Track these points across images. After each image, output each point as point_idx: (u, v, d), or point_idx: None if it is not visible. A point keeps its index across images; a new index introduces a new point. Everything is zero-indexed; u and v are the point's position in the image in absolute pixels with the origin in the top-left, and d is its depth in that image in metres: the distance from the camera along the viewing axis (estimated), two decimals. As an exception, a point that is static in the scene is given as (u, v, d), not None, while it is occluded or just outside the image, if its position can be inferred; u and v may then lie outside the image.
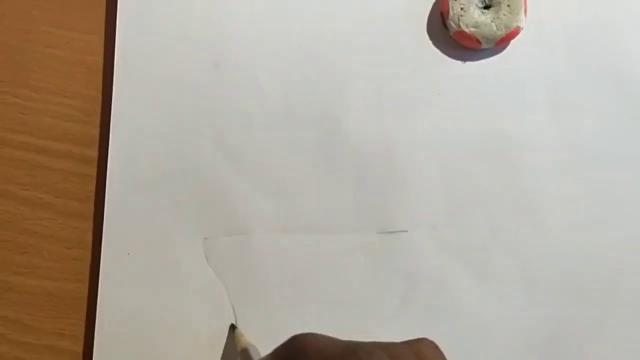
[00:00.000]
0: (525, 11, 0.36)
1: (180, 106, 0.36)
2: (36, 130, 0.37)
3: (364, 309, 0.34)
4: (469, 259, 0.34)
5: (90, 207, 0.36)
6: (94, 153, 0.36)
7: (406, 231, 0.35)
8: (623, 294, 0.34)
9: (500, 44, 0.36)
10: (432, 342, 0.24)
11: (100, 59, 0.38)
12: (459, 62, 0.36)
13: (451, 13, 0.36)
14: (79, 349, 0.34)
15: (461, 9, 0.35)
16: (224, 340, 0.34)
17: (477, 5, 0.36)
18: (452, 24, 0.36)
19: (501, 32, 0.35)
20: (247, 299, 0.34)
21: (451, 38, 0.36)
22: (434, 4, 0.37)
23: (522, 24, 0.36)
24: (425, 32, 0.37)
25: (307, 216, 0.35)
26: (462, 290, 0.34)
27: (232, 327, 0.34)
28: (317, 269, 0.34)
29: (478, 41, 0.35)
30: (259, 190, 0.35)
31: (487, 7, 0.36)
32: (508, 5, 0.35)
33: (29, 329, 0.35)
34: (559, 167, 0.35)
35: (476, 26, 0.35)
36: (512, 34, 0.36)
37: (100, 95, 0.37)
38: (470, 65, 0.36)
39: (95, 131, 0.37)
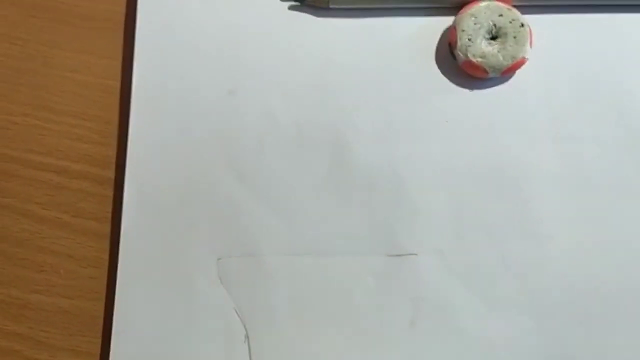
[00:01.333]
0: (530, 42, 0.37)
1: (194, 130, 0.37)
2: (55, 152, 0.38)
3: (372, 332, 0.35)
4: (475, 283, 0.35)
5: (107, 227, 0.37)
6: (110, 174, 0.38)
7: (415, 254, 0.35)
8: (628, 317, 0.35)
9: (506, 73, 0.37)
10: None
11: (117, 83, 0.39)
12: (467, 91, 0.38)
13: (459, 43, 0.37)
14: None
15: (469, 39, 0.37)
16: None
17: (484, 36, 0.37)
18: (460, 54, 0.37)
19: (507, 62, 0.37)
20: (258, 318, 0.35)
21: (459, 68, 0.38)
22: (442, 35, 0.39)
23: (527, 55, 0.37)
24: (434, 62, 0.38)
25: (317, 239, 0.36)
26: (469, 314, 0.35)
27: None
28: (326, 291, 0.35)
29: (485, 71, 0.37)
30: (270, 213, 0.36)
31: (493, 38, 0.37)
32: (514, 37, 0.37)
33: (44, 346, 0.35)
34: (563, 194, 0.36)
35: (483, 56, 0.37)
36: (517, 64, 0.37)
37: (117, 118, 0.38)
38: (477, 93, 0.38)
39: (112, 153, 0.38)
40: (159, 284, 0.35)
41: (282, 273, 0.35)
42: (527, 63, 0.37)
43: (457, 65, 0.38)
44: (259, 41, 0.38)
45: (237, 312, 0.35)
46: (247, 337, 0.35)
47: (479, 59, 0.37)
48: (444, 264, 0.35)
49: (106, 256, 0.36)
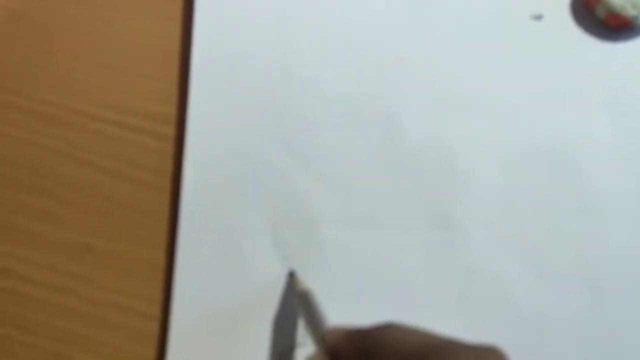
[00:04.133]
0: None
1: (249, 99, 0.39)
2: (117, 106, 0.40)
3: (422, 303, 0.36)
4: (527, 257, 0.37)
5: (166, 180, 0.39)
6: (170, 131, 0.40)
7: (465, 227, 0.37)
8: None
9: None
10: (503, 354, 0.25)
11: (177, 46, 0.41)
12: (522, 62, 0.39)
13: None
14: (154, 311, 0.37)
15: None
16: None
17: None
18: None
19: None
20: (311, 287, 0.36)
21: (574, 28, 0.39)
22: None
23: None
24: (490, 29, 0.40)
25: (368, 211, 0.37)
26: (521, 287, 0.36)
27: (291, 275, 0.36)
28: (377, 263, 0.37)
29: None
30: (323, 185, 0.38)
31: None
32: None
33: (99, 287, 0.37)
34: (619, 167, 0.38)
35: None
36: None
37: (177, 79, 0.40)
38: (533, 64, 0.39)
39: (172, 110, 0.40)
40: (216, 243, 0.37)
41: (334, 244, 0.37)
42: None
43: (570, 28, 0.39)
44: (312, 19, 0.40)
45: (290, 279, 0.36)
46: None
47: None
48: (496, 238, 0.37)
49: (164, 208, 0.39)
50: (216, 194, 0.38)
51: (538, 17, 0.39)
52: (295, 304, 0.36)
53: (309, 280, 0.36)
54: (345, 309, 0.36)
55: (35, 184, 0.39)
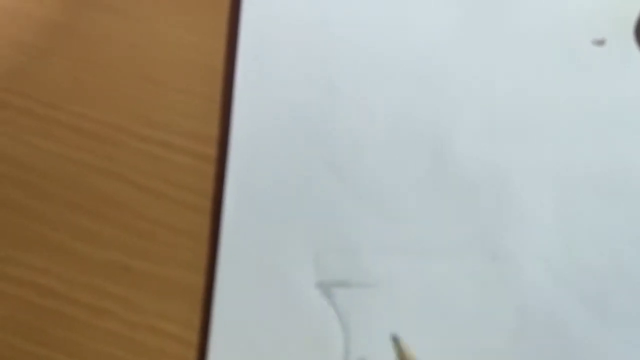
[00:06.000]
0: None
1: (293, 121, 0.38)
2: (160, 125, 0.39)
3: (472, 340, 0.35)
4: (587, 294, 0.34)
5: (206, 202, 0.38)
6: (211, 151, 0.39)
7: (518, 262, 0.35)
8: None
9: None
10: None
11: (221, 63, 0.40)
12: (584, 83, 0.37)
13: None
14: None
15: None
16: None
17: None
18: None
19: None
20: (354, 314, 0.35)
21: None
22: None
23: None
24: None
25: (415, 239, 0.36)
26: (581, 330, 0.34)
27: (395, 340, 0.35)
28: (424, 294, 0.35)
29: None
30: (368, 211, 0.37)
31: None
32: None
33: (139, 309, 0.37)
34: None
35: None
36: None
37: (219, 97, 0.40)
38: (597, 84, 0.37)
39: (214, 130, 0.39)
40: (256, 267, 0.36)
41: (379, 272, 0.36)
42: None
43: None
44: (361, 33, 0.39)
45: (334, 309, 0.35)
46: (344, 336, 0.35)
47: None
48: (552, 273, 0.35)
49: (205, 230, 0.38)
50: (258, 217, 0.37)
51: (600, 42, 0.37)
52: None
53: (351, 308, 0.35)
54: (387, 341, 0.35)
55: (76, 201, 0.38)
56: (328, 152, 0.38)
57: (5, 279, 0.37)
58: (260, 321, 0.36)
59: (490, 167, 0.37)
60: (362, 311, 0.35)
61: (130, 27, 0.40)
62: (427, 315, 0.35)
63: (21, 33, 0.41)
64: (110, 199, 0.38)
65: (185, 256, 0.37)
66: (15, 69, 0.40)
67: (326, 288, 0.36)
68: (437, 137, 0.37)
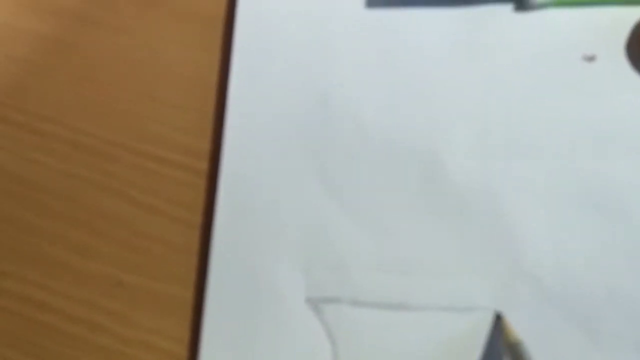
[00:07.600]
0: None
1: (285, 135, 0.38)
2: (155, 140, 0.40)
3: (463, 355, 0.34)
4: (578, 316, 0.34)
5: (198, 217, 0.39)
6: (204, 166, 0.39)
7: (510, 283, 0.35)
8: None
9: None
10: None
11: (215, 78, 0.40)
12: (574, 102, 0.37)
13: None
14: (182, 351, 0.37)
15: None
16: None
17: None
18: None
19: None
20: (343, 331, 0.35)
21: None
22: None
23: None
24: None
25: (405, 257, 0.36)
26: (571, 350, 0.34)
27: (498, 317, 0.34)
28: (414, 311, 0.35)
29: None
30: (358, 226, 0.37)
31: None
32: None
33: (133, 324, 0.37)
34: None
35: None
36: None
37: (212, 111, 0.40)
38: (591, 107, 0.37)
39: (207, 145, 0.39)
40: (247, 282, 0.36)
41: (369, 289, 0.36)
42: None
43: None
44: (355, 48, 0.39)
45: (323, 325, 0.35)
46: (334, 348, 0.35)
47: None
48: (543, 294, 0.34)
49: (196, 245, 0.38)
50: (249, 232, 0.37)
51: (591, 59, 0.37)
52: (499, 351, 0.34)
53: (340, 325, 0.35)
54: (376, 354, 0.35)
55: (72, 216, 0.39)
56: (320, 168, 0.38)
57: (0, 292, 0.38)
58: (249, 336, 0.36)
59: (482, 185, 0.37)
60: (351, 328, 0.35)
61: (126, 44, 0.41)
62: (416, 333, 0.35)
63: (20, 49, 0.42)
64: (105, 214, 0.39)
65: (178, 271, 0.38)
66: (14, 85, 0.41)
67: (316, 304, 0.36)
68: (430, 153, 0.37)
